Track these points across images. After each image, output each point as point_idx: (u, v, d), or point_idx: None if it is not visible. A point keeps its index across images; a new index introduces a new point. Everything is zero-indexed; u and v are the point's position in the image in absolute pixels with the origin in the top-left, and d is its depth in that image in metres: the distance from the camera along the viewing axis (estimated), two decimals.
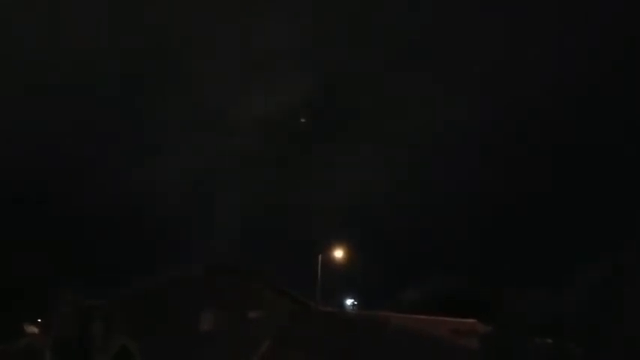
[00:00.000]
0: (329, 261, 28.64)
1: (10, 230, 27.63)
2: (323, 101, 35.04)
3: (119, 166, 32.82)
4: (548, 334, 19.18)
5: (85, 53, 32.38)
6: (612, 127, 29.02)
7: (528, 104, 31.57)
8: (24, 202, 28.34)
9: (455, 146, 33.60)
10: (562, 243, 26.41)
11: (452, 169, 33.09)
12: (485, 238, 29.82)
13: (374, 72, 34.86)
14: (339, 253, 28.71)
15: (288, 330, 21.94)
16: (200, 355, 21.86)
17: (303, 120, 33.76)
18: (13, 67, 30.92)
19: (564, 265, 23.24)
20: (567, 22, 31.44)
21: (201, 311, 23.31)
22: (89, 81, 32.60)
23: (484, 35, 33.12)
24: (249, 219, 32.50)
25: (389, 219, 32.25)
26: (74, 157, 31.37)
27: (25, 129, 30.66)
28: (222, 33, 34.59)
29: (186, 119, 35.23)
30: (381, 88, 34.86)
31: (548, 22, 32.59)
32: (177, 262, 24.91)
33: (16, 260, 27.74)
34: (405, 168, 33.60)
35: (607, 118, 29.52)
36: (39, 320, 29.59)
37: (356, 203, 33.30)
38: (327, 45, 34.60)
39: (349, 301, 29.59)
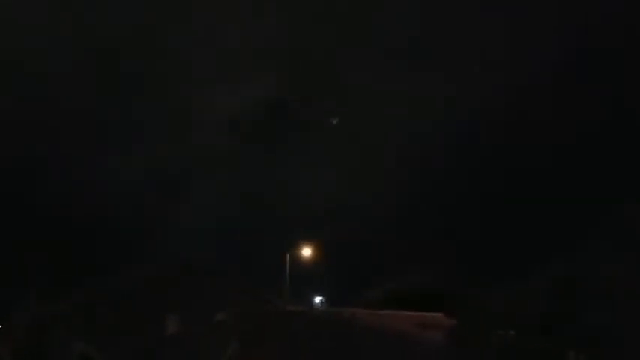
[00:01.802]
0: (298, 260, 28.59)
1: None
2: (297, 100, 34.91)
3: (79, 165, 32.12)
4: (512, 327, 19.40)
5: (58, 52, 31.63)
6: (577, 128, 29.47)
7: (492, 107, 31.85)
8: None
9: (426, 143, 33.77)
10: (526, 238, 26.76)
11: (420, 166, 33.24)
12: (451, 232, 30.07)
13: (353, 69, 34.79)
14: (307, 252, 28.68)
15: (256, 330, 21.82)
16: (166, 358, 21.58)
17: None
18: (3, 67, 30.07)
19: (528, 259, 23.54)
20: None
21: (166, 314, 23.06)
22: (63, 80, 31.82)
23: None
24: (217, 219, 32.25)
25: (355, 216, 32.29)
26: (28, 156, 30.61)
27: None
28: (197, 31, 34.24)
29: (157, 119, 34.74)
30: (367, 85, 34.79)
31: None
32: (141, 264, 24.55)
33: None
34: (375, 165, 33.68)
35: (572, 120, 29.96)
36: None
37: (325, 202, 33.28)
38: (307, 42, 34.41)
39: (318, 299, 29.53)
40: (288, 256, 28.07)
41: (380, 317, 22.17)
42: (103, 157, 32.39)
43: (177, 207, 32.19)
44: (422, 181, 32.17)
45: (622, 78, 29.75)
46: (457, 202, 31.18)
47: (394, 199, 31.92)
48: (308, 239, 28.80)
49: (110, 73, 32.47)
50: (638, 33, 29.57)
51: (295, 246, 28.48)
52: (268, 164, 34.19)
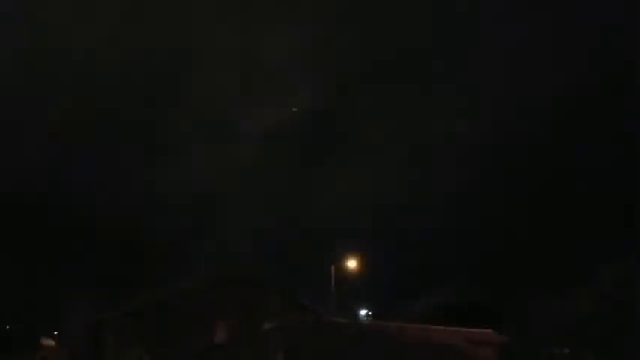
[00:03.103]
0: (343, 271, 28.56)
1: (24, 243, 27.89)
2: (332, 110, 35.12)
3: (130, 178, 33.01)
4: (565, 343, 18.83)
5: (92, 64, 32.65)
6: (622, 128, 28.69)
7: (534, 106, 31.32)
8: (35, 213, 28.60)
9: (472, 152, 33.34)
10: (578, 248, 26.01)
11: (466, 177, 32.82)
12: (500, 245, 29.52)
13: (378, 80, 34.82)
14: (352, 264, 28.63)
15: (302, 341, 21.82)
16: None
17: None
18: (18, 76, 31.22)
19: (580, 271, 22.83)
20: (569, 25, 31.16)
21: (214, 323, 23.34)
22: (94, 92, 32.86)
23: (483, 39, 33.00)
24: (263, 229, 32.54)
25: (404, 227, 32.09)
26: (85, 168, 31.68)
27: (29, 138, 30.97)
28: (225, 44, 34.88)
29: (199, 130, 35.43)
30: (386, 95, 34.78)
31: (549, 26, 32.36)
32: (191, 273, 24.97)
33: (30, 273, 27.96)
34: (420, 176, 33.41)
35: (617, 118, 29.19)
36: (55, 333, 29.81)
37: (370, 212, 33.21)
38: (330, 54, 34.71)
39: (363, 312, 29.45)
40: (333, 267, 28.09)
41: (428, 332, 21.87)
42: (147, 172, 33.18)
43: (224, 219, 32.68)
44: (468, 193, 31.77)
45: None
46: (504, 213, 30.65)
47: (439, 212, 31.64)
48: (353, 251, 28.79)
49: (147, 87, 33.32)
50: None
51: (341, 258, 28.49)
52: (312, 176, 34.39)
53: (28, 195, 29.00)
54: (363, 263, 28.68)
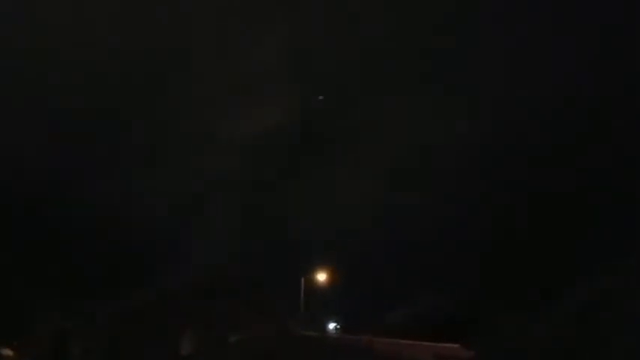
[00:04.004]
0: (313, 284, 28.52)
1: None
2: (311, 123, 35.05)
3: (101, 181, 32.27)
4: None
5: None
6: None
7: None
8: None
9: (445, 165, 33.46)
10: (551, 264, 26.24)
11: (441, 190, 32.95)
12: (472, 259, 29.68)
13: (364, 92, 34.87)
14: (322, 277, 28.61)
15: (270, 354, 21.74)
16: None
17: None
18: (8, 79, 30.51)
19: (552, 287, 22.95)
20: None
21: (181, 334, 23.08)
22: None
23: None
24: (235, 240, 32.22)
25: (376, 240, 32.08)
26: (51, 170, 30.92)
27: (6, 139, 30.18)
28: (208, 53, 34.65)
29: (178, 136, 34.91)
30: (370, 108, 34.85)
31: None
32: (159, 283, 24.61)
33: None
34: (393, 189, 33.48)
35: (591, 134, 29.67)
36: (14, 343, 28.92)
37: (342, 225, 33.12)
38: (316, 66, 34.67)
39: (332, 325, 29.36)
40: (303, 280, 28.04)
41: (396, 346, 21.99)
42: (119, 175, 32.59)
43: (193, 229, 32.24)
44: (443, 204, 31.89)
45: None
46: (479, 225, 30.75)
47: (412, 224, 31.66)
48: (324, 264, 28.74)
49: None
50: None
51: (311, 270, 28.43)
52: (285, 186, 34.24)
53: None
54: (334, 276, 28.67)
